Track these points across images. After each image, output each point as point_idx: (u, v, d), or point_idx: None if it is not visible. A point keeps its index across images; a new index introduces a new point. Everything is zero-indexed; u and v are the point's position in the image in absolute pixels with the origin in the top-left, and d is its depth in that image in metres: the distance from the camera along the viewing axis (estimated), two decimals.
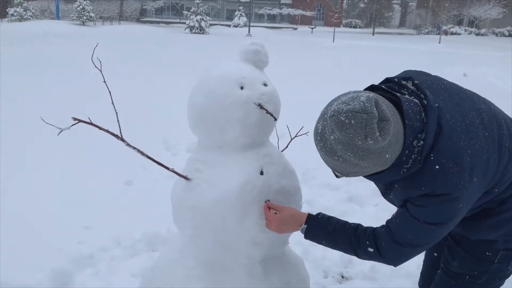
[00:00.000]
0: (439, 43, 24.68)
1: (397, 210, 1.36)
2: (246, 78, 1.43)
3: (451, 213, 1.25)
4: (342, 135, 1.12)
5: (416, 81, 1.31)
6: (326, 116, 1.17)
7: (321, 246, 2.36)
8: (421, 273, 1.89)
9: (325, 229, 1.44)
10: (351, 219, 3.28)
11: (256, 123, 1.44)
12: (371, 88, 1.32)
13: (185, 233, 1.59)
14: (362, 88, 1.31)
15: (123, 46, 13.37)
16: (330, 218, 1.47)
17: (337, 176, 1.33)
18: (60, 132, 1.10)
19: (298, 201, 1.61)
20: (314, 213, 1.51)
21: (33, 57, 9.68)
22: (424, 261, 1.87)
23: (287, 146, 1.78)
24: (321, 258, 2.75)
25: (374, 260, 1.42)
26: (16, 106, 5.78)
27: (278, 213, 1.46)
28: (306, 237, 1.48)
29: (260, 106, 1.42)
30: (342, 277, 2.63)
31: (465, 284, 1.52)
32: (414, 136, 1.20)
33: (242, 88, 1.42)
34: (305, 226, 1.46)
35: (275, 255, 1.63)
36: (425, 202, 1.24)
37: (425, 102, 1.24)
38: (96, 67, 1.32)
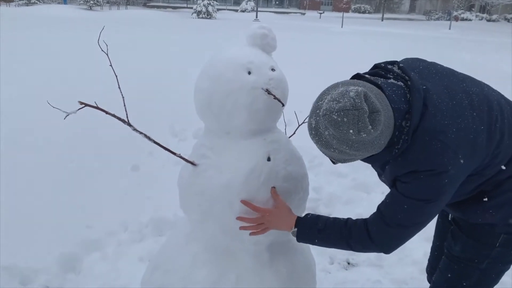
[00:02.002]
0: (450, 29, 24.27)
1: (388, 193, 1.37)
2: (253, 63, 1.41)
3: (437, 189, 1.26)
4: (336, 132, 1.16)
5: (401, 64, 1.35)
6: (318, 112, 1.20)
7: None
8: (429, 260, 1.90)
9: (315, 227, 1.43)
10: (358, 206, 3.31)
11: (263, 108, 1.42)
12: (357, 76, 1.33)
13: (192, 218, 1.60)
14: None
15: (130, 30, 13.30)
16: (319, 217, 1.46)
17: (333, 163, 1.36)
18: (66, 116, 1.10)
19: (305, 188, 1.60)
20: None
21: (36, 42, 9.67)
22: (432, 248, 1.87)
23: (294, 133, 1.76)
24: None
25: (367, 249, 1.43)
26: (18, 88, 5.79)
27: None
28: (298, 239, 1.46)
29: (268, 91, 1.40)
30: (348, 263, 2.64)
31: (468, 268, 1.51)
32: (402, 118, 1.24)
33: (249, 73, 1.40)
34: (295, 229, 1.45)
35: (282, 241, 1.63)
36: (411, 178, 1.27)
37: (410, 84, 1.27)
38: (102, 50, 1.31)
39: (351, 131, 1.14)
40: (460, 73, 1.44)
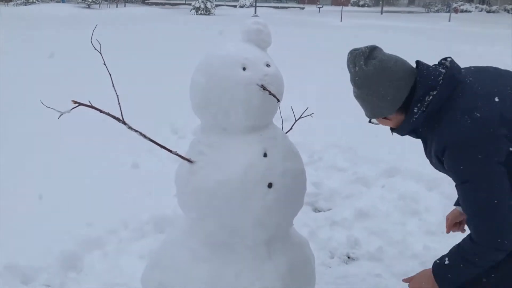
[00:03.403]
0: (449, 21, 24.16)
1: None
2: (248, 59, 1.41)
3: (473, 165, 1.32)
4: (347, 66, 1.49)
5: (450, 58, 1.48)
6: None
7: (327, 227, 2.45)
8: None
9: (445, 264, 1.47)
10: (358, 200, 3.32)
11: (259, 104, 1.42)
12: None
13: (190, 215, 1.60)
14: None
15: (127, 28, 13.29)
16: (444, 257, 1.50)
17: (370, 121, 1.57)
18: (60, 115, 1.10)
19: (303, 183, 1.60)
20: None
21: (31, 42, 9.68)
22: None
23: (291, 128, 1.76)
24: (328, 239, 2.75)
25: (485, 256, 1.40)
26: (17, 89, 5.79)
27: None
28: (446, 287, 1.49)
29: (263, 87, 1.40)
30: (349, 257, 2.64)
31: None
32: (426, 92, 1.40)
33: (244, 69, 1.40)
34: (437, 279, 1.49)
35: (280, 236, 1.63)
36: (449, 159, 1.37)
37: (448, 71, 1.41)
38: (96, 49, 1.30)
39: (351, 64, 1.45)
40: (502, 70, 1.51)
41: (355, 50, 1.46)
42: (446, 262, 1.47)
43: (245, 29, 1.49)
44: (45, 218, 2.77)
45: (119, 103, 1.25)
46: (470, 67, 1.52)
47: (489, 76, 1.46)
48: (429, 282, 1.51)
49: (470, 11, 36.82)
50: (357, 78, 1.44)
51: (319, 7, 35.65)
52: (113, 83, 1.30)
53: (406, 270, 2.44)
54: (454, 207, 1.89)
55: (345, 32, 14.80)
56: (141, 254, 2.50)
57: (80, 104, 1.13)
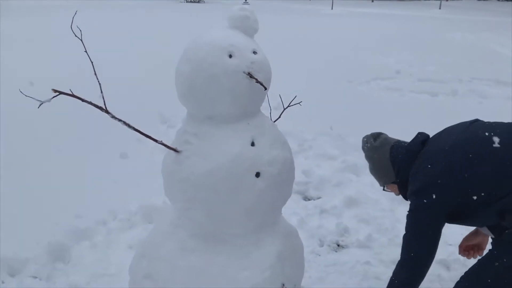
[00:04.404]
0: (440, 8, 24.17)
1: None
2: (234, 46, 1.38)
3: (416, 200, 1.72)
4: (362, 147, 2.02)
5: (422, 133, 1.88)
6: None
7: (316, 215, 2.63)
8: None
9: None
10: (348, 188, 3.32)
11: (246, 93, 1.40)
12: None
13: (178, 206, 1.58)
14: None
15: (115, 15, 13.08)
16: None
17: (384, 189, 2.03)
18: (40, 104, 1.07)
19: (291, 172, 1.58)
20: None
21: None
22: None
23: (279, 117, 1.74)
24: (317, 227, 2.76)
25: (404, 264, 1.81)
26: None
27: None
28: None
29: (250, 75, 1.37)
30: (338, 245, 2.65)
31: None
32: (397, 166, 1.86)
33: (230, 56, 1.37)
34: None
35: (269, 225, 1.62)
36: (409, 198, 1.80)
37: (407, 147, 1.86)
38: (76, 36, 1.27)
39: (365, 142, 1.97)
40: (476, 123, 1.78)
41: (365, 136, 2.01)
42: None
43: (231, 15, 1.45)
44: (33, 209, 2.74)
45: (101, 92, 1.22)
46: (443, 131, 1.83)
47: (449, 132, 1.79)
48: None
49: None
50: (367, 151, 1.98)
51: None
52: (95, 72, 1.26)
53: (395, 258, 2.45)
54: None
55: (336, 20, 14.73)
56: (130, 244, 2.49)
57: (60, 93, 1.10)
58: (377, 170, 1.94)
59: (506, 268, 1.58)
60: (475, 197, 1.59)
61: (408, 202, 1.79)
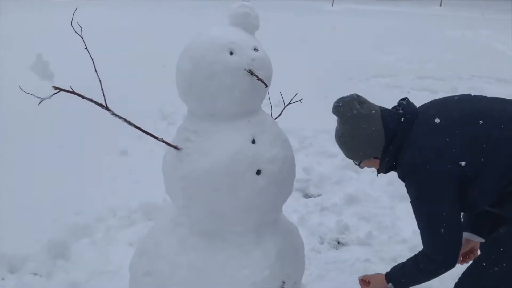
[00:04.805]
0: (440, 6, 24.09)
1: None
2: (235, 43, 1.37)
3: (421, 186, 1.58)
4: (339, 116, 1.68)
5: (406, 99, 1.72)
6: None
7: (317, 213, 2.60)
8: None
9: (402, 274, 1.75)
10: (348, 185, 3.32)
11: (246, 90, 1.39)
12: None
13: (178, 203, 1.58)
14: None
15: (111, 10, 13.02)
16: (402, 264, 1.78)
17: (359, 166, 1.79)
18: (40, 101, 1.06)
19: (292, 170, 1.58)
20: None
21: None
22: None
23: (280, 114, 1.74)
24: (318, 225, 2.76)
25: (432, 265, 1.66)
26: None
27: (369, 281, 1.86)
28: None
29: (251, 72, 1.37)
30: (338, 243, 2.65)
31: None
32: (391, 139, 1.64)
33: (231, 53, 1.36)
34: (390, 284, 1.76)
35: (269, 223, 1.62)
36: (406, 184, 1.66)
37: (404, 113, 1.65)
38: (76, 32, 1.26)
39: (349, 109, 1.62)
40: (463, 101, 1.68)
41: (342, 98, 1.67)
42: (402, 268, 1.75)
43: (231, 12, 1.45)
44: (32, 207, 2.74)
45: (102, 89, 1.22)
46: (434, 101, 1.72)
47: (444, 105, 1.67)
48: (382, 284, 1.78)
49: None
50: (351, 120, 1.63)
51: None
52: (95, 68, 1.26)
53: (395, 255, 2.46)
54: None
55: (337, 17, 14.69)
56: (130, 242, 2.49)
57: (61, 90, 1.09)
58: (362, 142, 1.64)
59: (506, 272, 1.56)
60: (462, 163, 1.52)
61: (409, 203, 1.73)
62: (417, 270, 1.67)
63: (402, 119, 1.62)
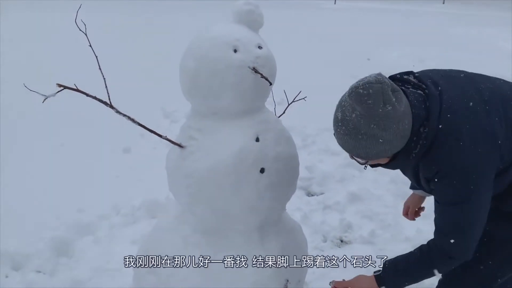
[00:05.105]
0: (443, 3, 24.01)
1: None
2: (239, 40, 1.36)
3: (464, 187, 1.30)
4: (363, 108, 1.18)
5: (417, 74, 1.38)
6: (344, 99, 1.25)
7: (320, 211, 2.50)
8: None
9: (398, 272, 1.50)
10: (351, 184, 3.31)
11: (250, 88, 1.39)
12: None
13: (181, 201, 1.58)
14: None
15: (113, 9, 13.02)
16: (395, 261, 1.53)
17: (360, 163, 1.36)
18: (44, 99, 1.06)
19: (295, 168, 1.57)
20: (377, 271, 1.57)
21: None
22: None
23: (284, 112, 1.73)
24: (321, 223, 2.76)
25: (451, 265, 1.46)
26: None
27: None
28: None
29: (255, 70, 1.36)
30: (341, 241, 2.65)
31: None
32: (420, 124, 1.27)
33: (235, 51, 1.36)
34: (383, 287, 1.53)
35: (272, 221, 1.61)
36: (438, 181, 1.33)
37: (427, 92, 1.31)
38: (81, 30, 1.26)
39: (377, 103, 1.17)
40: (466, 72, 1.47)
41: (372, 82, 1.18)
42: (401, 268, 1.50)
43: (235, 10, 1.44)
44: (36, 204, 2.74)
45: (106, 87, 1.22)
46: (437, 73, 1.42)
47: (452, 84, 1.37)
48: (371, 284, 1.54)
49: None
50: (383, 121, 1.19)
51: None
52: (99, 66, 1.25)
53: (398, 253, 2.45)
54: (412, 191, 1.87)
55: (339, 14, 14.66)
56: (133, 239, 2.49)
57: (65, 87, 1.09)
58: (383, 143, 1.23)
59: (492, 270, 1.52)
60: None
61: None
62: (428, 271, 1.47)
63: (431, 102, 1.29)
